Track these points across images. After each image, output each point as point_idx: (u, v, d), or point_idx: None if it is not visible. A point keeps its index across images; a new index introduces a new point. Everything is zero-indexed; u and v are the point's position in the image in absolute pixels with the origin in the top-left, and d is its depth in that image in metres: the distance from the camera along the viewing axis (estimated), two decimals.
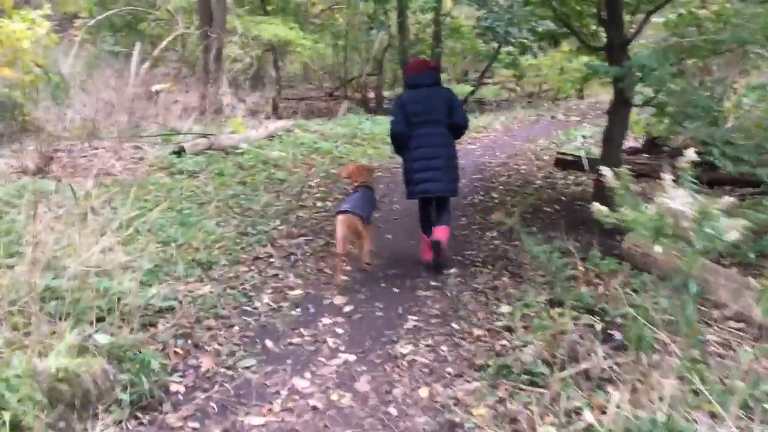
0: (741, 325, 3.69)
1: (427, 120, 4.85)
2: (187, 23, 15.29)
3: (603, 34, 6.15)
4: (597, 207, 2.80)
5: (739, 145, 4.76)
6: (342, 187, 7.73)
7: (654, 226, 2.60)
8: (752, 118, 8.22)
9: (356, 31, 20.69)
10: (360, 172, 5.16)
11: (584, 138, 11.75)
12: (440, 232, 4.82)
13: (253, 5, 18.86)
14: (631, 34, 5.29)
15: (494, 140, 11.99)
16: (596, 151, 10.13)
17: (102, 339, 2.98)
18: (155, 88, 10.65)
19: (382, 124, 13.11)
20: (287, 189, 7.42)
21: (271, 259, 5.00)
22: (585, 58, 8.38)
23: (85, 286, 3.50)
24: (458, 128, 5.03)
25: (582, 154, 8.50)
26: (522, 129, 13.63)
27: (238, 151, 9.02)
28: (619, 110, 5.46)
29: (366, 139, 11.10)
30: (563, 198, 7.05)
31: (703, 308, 3.86)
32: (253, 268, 4.78)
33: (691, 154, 2.76)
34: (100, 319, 3.23)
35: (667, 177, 2.61)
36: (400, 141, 4.98)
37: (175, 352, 3.38)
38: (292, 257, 5.10)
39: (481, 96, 21.75)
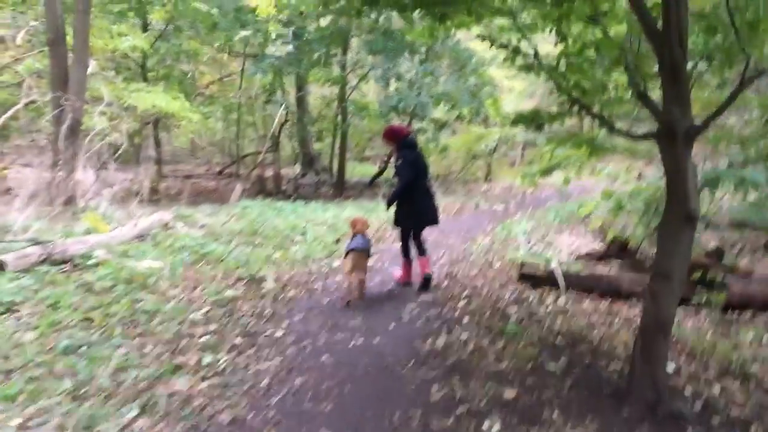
0: None
1: (424, 173, 6.46)
2: (44, 90, 12.54)
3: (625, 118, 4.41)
4: None
5: None
6: (243, 323, 5.35)
7: None
8: None
9: (251, 105, 18.57)
10: (359, 223, 6.45)
11: (526, 235, 10.07)
12: (426, 266, 6.62)
13: (131, 71, 16.42)
14: (701, 118, 3.49)
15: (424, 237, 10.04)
16: (547, 254, 8.41)
17: None
18: None
19: (286, 214, 10.87)
20: (158, 330, 4.94)
21: None
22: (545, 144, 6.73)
23: None
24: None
25: (555, 267, 6.65)
26: (450, 221, 11.84)
27: (91, 261, 6.42)
28: (680, 231, 3.58)
29: (270, 237, 8.76)
30: (560, 342, 5.03)
31: None
32: None
33: None
34: None
35: None
36: (410, 188, 6.30)
37: None
38: None
39: (385, 177, 20.06)
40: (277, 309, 5.79)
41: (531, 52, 4.45)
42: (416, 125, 16.87)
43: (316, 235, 9.23)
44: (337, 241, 9.00)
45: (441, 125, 16.86)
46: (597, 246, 9.71)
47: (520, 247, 8.74)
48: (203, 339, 4.86)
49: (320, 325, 5.40)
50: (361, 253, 6.06)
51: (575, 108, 4.35)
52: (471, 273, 7.37)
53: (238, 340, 4.90)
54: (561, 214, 12.10)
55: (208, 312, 5.49)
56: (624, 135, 3.89)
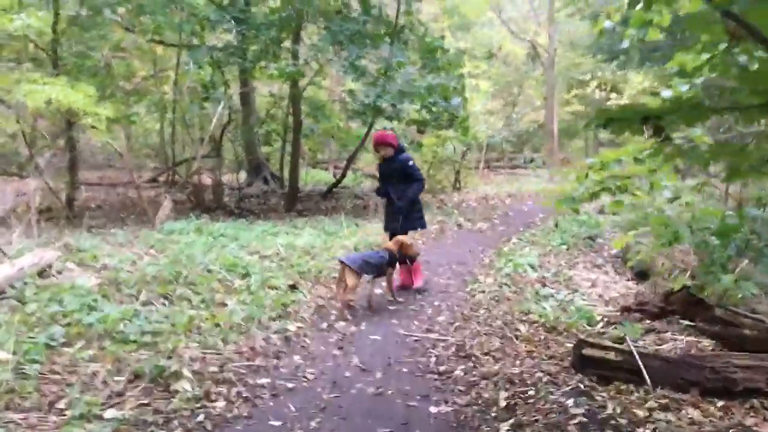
0: None
1: None
2: None
3: None
4: None
5: None
6: None
7: None
8: None
9: (185, 103, 15.75)
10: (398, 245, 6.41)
11: (534, 270, 7.80)
12: (419, 279, 7.00)
13: (38, 61, 13.55)
14: None
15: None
16: (582, 307, 6.18)
17: None
18: None
19: (225, 242, 8.33)
20: None
21: None
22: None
23: None
24: None
25: (631, 349, 4.36)
26: (434, 247, 9.50)
27: None
28: None
29: (197, 284, 6.19)
30: None
31: None
32: None
33: None
34: None
35: None
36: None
37: None
38: None
39: (343, 184, 17.70)
40: None
41: None
42: (386, 125, 14.45)
43: (264, 278, 6.71)
44: (293, 287, 6.54)
45: (421, 124, 14.53)
46: (630, 284, 7.55)
47: (544, 299, 6.43)
48: None
49: None
50: (346, 267, 5.89)
51: None
52: (492, 347, 5.02)
53: None
54: (566, 237, 9.91)
55: None
56: None
